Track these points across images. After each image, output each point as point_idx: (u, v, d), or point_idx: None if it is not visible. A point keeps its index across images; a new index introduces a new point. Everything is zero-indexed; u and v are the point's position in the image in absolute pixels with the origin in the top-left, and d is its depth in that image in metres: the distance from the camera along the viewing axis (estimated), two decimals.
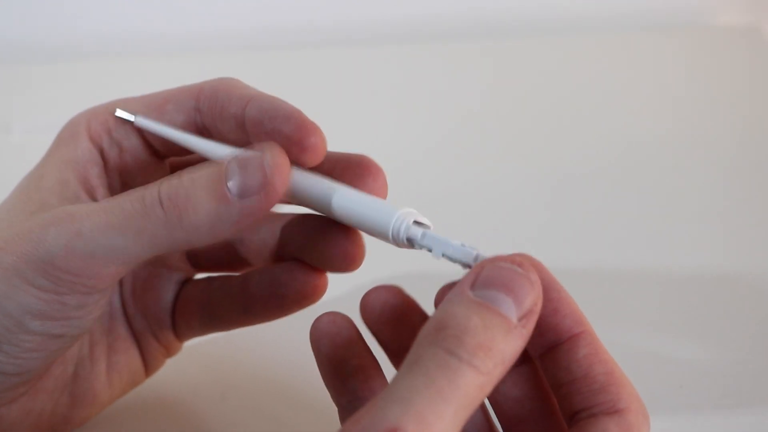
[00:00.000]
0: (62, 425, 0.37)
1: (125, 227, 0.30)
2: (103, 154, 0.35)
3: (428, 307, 0.31)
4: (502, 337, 0.26)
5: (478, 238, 0.31)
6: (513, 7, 0.76)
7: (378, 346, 0.32)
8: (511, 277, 0.27)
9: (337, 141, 0.35)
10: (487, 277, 0.27)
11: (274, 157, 0.30)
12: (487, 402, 0.31)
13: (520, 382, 0.30)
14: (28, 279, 0.30)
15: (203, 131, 0.35)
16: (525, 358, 0.30)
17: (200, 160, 0.36)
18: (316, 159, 0.32)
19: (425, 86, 0.68)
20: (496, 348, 0.26)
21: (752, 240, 0.52)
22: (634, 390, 0.28)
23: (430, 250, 0.30)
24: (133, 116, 0.35)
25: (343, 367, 0.31)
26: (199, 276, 0.40)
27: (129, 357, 0.38)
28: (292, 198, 0.33)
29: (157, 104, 0.35)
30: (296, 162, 0.32)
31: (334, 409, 0.32)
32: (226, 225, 0.30)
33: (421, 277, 0.31)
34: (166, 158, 0.37)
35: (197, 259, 0.39)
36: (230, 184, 0.30)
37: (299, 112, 0.32)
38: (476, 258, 0.29)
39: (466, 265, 0.29)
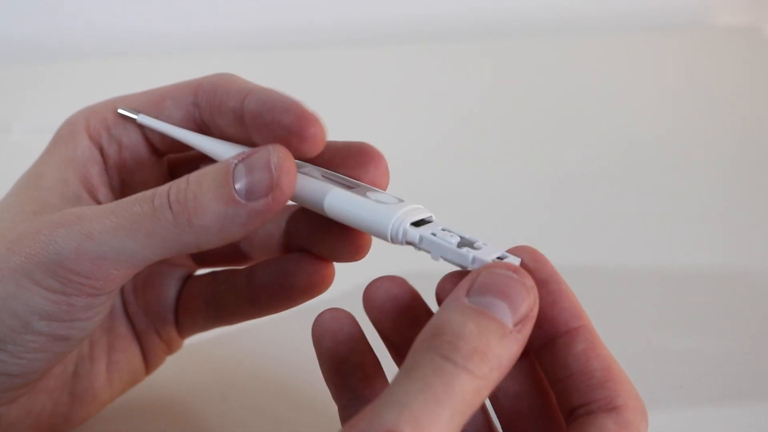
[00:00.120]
0: (62, 424, 0.37)
1: (135, 230, 0.30)
2: (103, 151, 0.36)
3: (432, 300, 0.31)
4: (498, 341, 0.26)
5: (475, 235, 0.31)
6: (513, 7, 0.76)
7: (379, 340, 0.32)
8: (506, 282, 0.27)
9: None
10: (482, 284, 0.27)
11: (281, 158, 0.30)
12: (486, 401, 0.31)
13: (519, 378, 0.30)
14: (37, 280, 0.30)
15: (202, 126, 0.35)
16: (524, 354, 0.30)
17: (199, 156, 0.36)
18: (316, 149, 0.32)
19: (425, 86, 0.68)
20: (492, 353, 0.26)
21: (752, 239, 0.52)
22: (633, 387, 0.28)
23: (429, 252, 0.30)
24: (136, 114, 0.35)
25: (344, 364, 0.31)
26: (201, 271, 0.40)
27: (129, 355, 0.38)
28: (293, 199, 0.33)
29: (155, 101, 0.35)
30: (297, 153, 0.32)
31: (334, 409, 0.32)
32: (235, 227, 0.30)
33: (425, 270, 0.31)
34: (165, 155, 0.37)
35: (200, 254, 0.39)
36: (238, 186, 0.30)
37: (298, 103, 0.32)
38: (473, 261, 0.29)
39: (464, 268, 0.30)
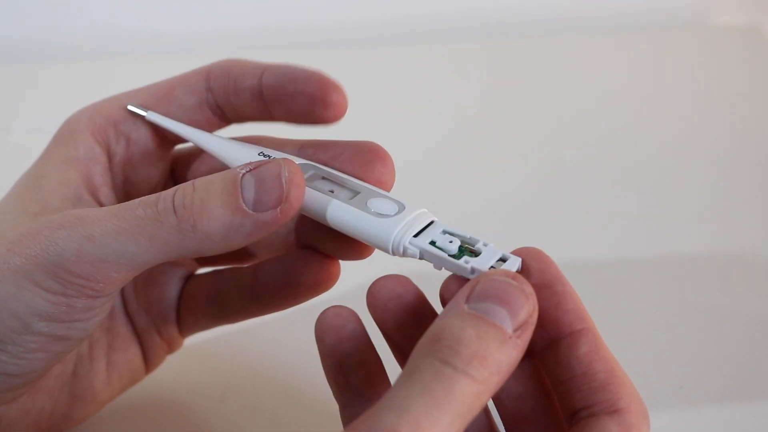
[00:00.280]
0: (62, 423, 0.37)
1: (137, 233, 0.30)
2: (109, 149, 0.35)
3: (435, 299, 0.31)
4: (497, 346, 0.26)
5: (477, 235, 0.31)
6: (513, 7, 0.76)
7: (382, 340, 0.32)
8: (505, 289, 0.27)
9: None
10: (482, 290, 0.27)
11: (292, 172, 0.30)
12: (490, 402, 0.31)
13: (522, 380, 0.30)
14: (37, 281, 0.30)
15: (216, 111, 0.35)
16: (527, 355, 0.30)
17: (202, 152, 0.37)
18: (338, 115, 0.33)
19: (425, 86, 0.68)
20: (491, 357, 0.26)
21: (752, 240, 0.52)
22: (635, 390, 0.28)
23: (431, 263, 0.31)
24: (145, 111, 0.35)
25: (347, 362, 0.31)
26: (203, 270, 0.40)
27: (129, 355, 0.38)
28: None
29: (164, 92, 0.35)
30: (320, 120, 0.33)
31: (335, 409, 0.32)
32: (239, 236, 0.30)
33: (430, 269, 0.31)
34: (172, 147, 0.37)
35: None
36: (245, 196, 0.30)
37: (319, 72, 0.33)
38: (472, 272, 0.30)
39: (464, 279, 0.30)
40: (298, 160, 0.34)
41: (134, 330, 0.39)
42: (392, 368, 0.32)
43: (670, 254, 0.51)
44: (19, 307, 0.31)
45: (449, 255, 0.30)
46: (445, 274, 0.31)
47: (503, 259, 0.30)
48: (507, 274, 0.28)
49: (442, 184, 0.57)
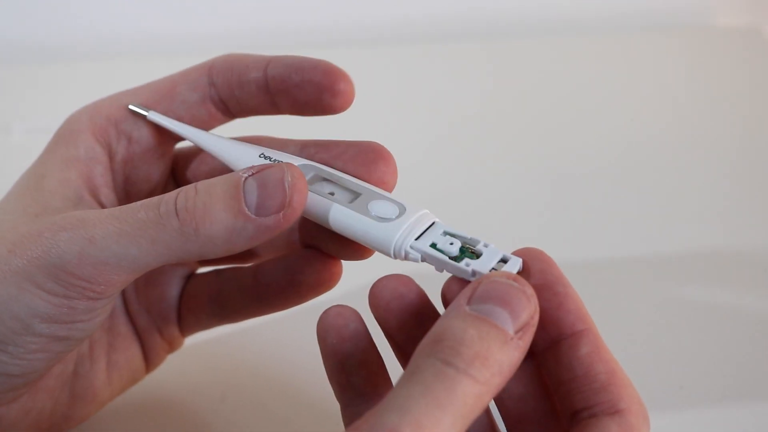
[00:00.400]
0: (62, 423, 0.37)
1: (139, 236, 0.30)
2: (110, 148, 0.35)
3: (437, 300, 0.31)
4: (499, 347, 0.26)
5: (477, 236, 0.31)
6: (513, 7, 0.76)
7: (384, 341, 0.32)
8: (506, 291, 0.27)
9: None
10: (483, 292, 0.27)
11: (295, 177, 0.30)
12: (492, 402, 0.31)
13: (524, 380, 0.30)
14: (38, 283, 0.30)
15: (219, 105, 0.35)
16: (529, 356, 0.30)
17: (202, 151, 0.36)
18: (346, 104, 0.33)
19: (425, 87, 0.68)
20: (493, 358, 0.26)
21: (753, 240, 0.52)
22: (635, 391, 0.28)
23: (433, 265, 0.31)
24: (147, 111, 0.35)
25: (348, 362, 0.31)
26: (204, 269, 0.40)
27: (129, 354, 0.38)
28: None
29: (166, 89, 0.35)
30: (328, 109, 0.33)
31: (336, 410, 0.32)
32: (242, 240, 0.30)
33: (432, 269, 0.31)
34: (174, 143, 0.37)
35: None
36: (248, 200, 0.30)
37: (325, 61, 0.33)
38: (473, 274, 0.30)
39: (466, 280, 0.30)
40: (298, 161, 0.34)
41: (135, 329, 0.39)
42: (394, 368, 0.32)
43: (670, 254, 0.51)
44: (20, 308, 0.30)
45: (450, 258, 0.30)
46: (447, 273, 0.31)
47: (504, 260, 0.30)
48: (508, 276, 0.28)
49: (443, 184, 0.57)
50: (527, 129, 0.63)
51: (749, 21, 0.75)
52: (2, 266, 0.30)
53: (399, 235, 0.31)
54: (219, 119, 0.36)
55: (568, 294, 0.29)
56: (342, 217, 0.32)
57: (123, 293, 0.38)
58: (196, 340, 0.41)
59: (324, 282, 0.36)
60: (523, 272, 0.30)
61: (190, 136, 0.35)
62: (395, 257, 0.31)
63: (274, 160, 0.34)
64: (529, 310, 0.27)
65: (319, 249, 0.36)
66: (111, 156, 0.36)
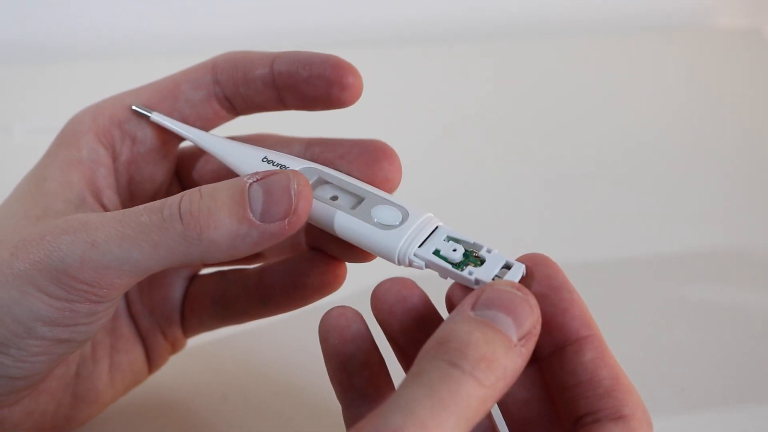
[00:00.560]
0: (64, 425, 0.37)
1: (141, 240, 0.30)
2: (114, 149, 0.35)
3: (440, 301, 0.31)
4: (504, 352, 0.26)
5: (480, 240, 0.31)
6: (513, 8, 0.76)
7: (385, 340, 0.32)
8: (510, 299, 0.27)
9: None
10: (487, 299, 0.27)
11: (301, 184, 0.30)
12: (495, 406, 0.31)
13: (528, 385, 0.30)
14: (40, 287, 0.30)
15: (224, 103, 0.35)
16: (533, 361, 0.30)
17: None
18: (354, 97, 0.33)
19: (426, 87, 0.68)
20: (498, 362, 0.26)
21: (754, 241, 0.52)
22: (639, 397, 0.28)
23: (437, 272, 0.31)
24: (150, 112, 0.35)
25: (350, 362, 0.31)
26: (207, 271, 0.40)
27: (132, 356, 0.38)
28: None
29: (169, 89, 0.35)
30: (337, 104, 0.33)
31: (338, 410, 0.32)
32: (245, 245, 0.30)
33: (434, 274, 0.31)
34: (178, 143, 0.37)
35: None
36: (253, 206, 0.30)
37: (333, 55, 0.33)
38: (476, 282, 0.30)
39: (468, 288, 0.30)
40: (301, 164, 0.34)
41: (138, 331, 0.39)
42: (396, 370, 0.32)
43: (670, 256, 0.51)
44: (22, 311, 0.30)
45: (453, 266, 0.30)
46: (451, 279, 0.31)
47: (507, 266, 0.30)
48: (512, 285, 0.28)
49: (444, 185, 0.57)
50: (528, 129, 0.63)
51: (749, 22, 0.75)
52: (4, 269, 0.30)
53: (402, 243, 0.31)
54: (223, 117, 0.36)
55: (574, 300, 0.29)
56: (346, 224, 0.32)
57: (126, 295, 0.38)
58: (198, 340, 0.41)
59: (328, 284, 0.36)
60: (528, 277, 0.30)
61: (193, 137, 0.35)
62: (399, 264, 0.31)
63: (277, 164, 0.33)
64: (532, 319, 0.27)
65: (324, 251, 0.36)
66: (114, 157, 0.35)
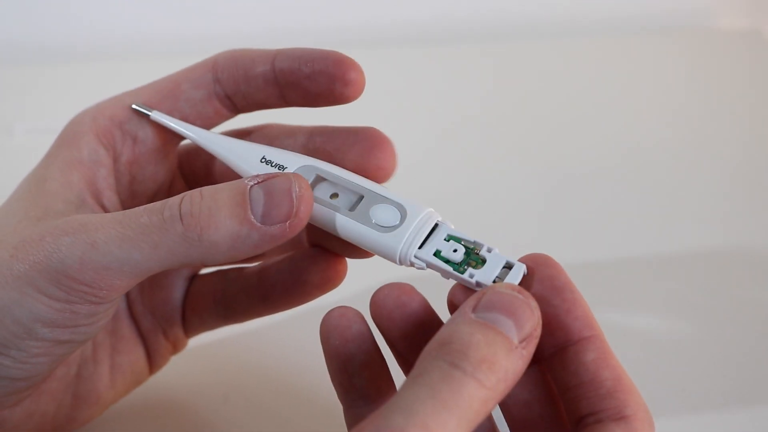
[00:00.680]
0: (65, 426, 0.37)
1: (141, 240, 0.30)
2: (115, 149, 0.35)
3: (440, 309, 0.31)
4: (505, 354, 0.26)
5: (481, 238, 0.31)
6: (514, 10, 0.76)
7: (386, 345, 0.32)
8: (511, 301, 0.27)
9: None
10: (488, 301, 0.27)
11: (302, 187, 0.30)
12: (497, 407, 0.31)
13: (529, 386, 0.30)
14: (40, 288, 0.30)
15: (224, 101, 0.35)
16: (535, 362, 0.30)
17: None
18: (357, 93, 0.33)
19: (427, 88, 0.68)
20: (499, 364, 0.26)
21: (755, 243, 0.52)
22: (641, 398, 0.28)
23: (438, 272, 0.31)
24: (150, 111, 0.35)
25: (351, 363, 0.31)
26: (207, 270, 0.40)
27: (133, 357, 0.38)
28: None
29: (169, 88, 0.35)
30: (340, 99, 0.33)
31: (339, 411, 0.32)
32: (246, 247, 0.30)
33: (433, 279, 0.31)
34: (179, 141, 0.37)
35: None
36: (254, 208, 0.30)
37: (335, 51, 0.33)
38: (477, 285, 0.30)
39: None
40: (300, 162, 0.34)
41: (139, 332, 0.39)
42: (397, 370, 0.32)
43: (671, 256, 0.51)
44: (21, 313, 0.30)
45: (454, 268, 0.30)
46: (451, 283, 0.31)
47: (508, 266, 0.30)
48: (513, 288, 0.28)
49: (445, 186, 0.57)
50: (528, 130, 0.63)
51: (750, 23, 0.75)
52: (4, 270, 0.30)
53: (402, 245, 0.31)
54: (224, 115, 0.36)
55: (576, 300, 0.29)
56: (345, 226, 0.32)
57: (127, 295, 0.38)
58: (199, 341, 0.41)
59: (329, 280, 0.36)
60: (528, 277, 0.30)
61: (193, 135, 0.35)
62: (401, 264, 0.32)
63: (276, 163, 0.33)
64: (532, 321, 0.27)
65: (325, 247, 0.36)
66: (115, 157, 0.35)
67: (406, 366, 0.32)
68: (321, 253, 0.36)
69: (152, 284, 0.38)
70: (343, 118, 0.36)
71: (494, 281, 0.30)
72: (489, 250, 0.31)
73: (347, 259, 0.36)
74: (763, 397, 0.42)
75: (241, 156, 0.34)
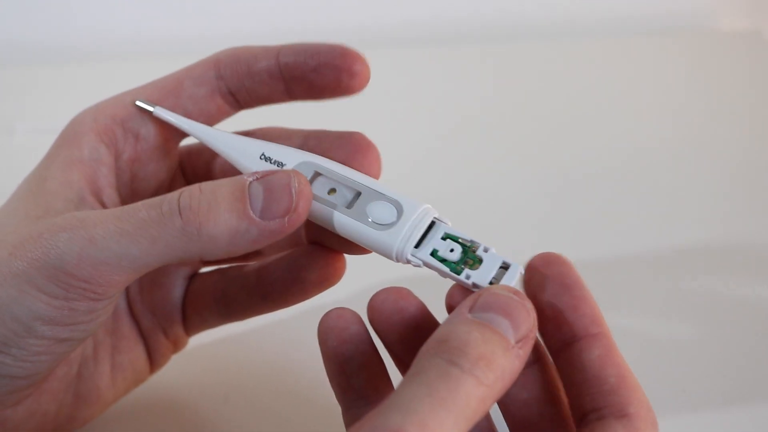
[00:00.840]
0: (66, 425, 0.37)
1: (139, 235, 0.30)
2: (116, 148, 0.35)
3: (438, 309, 0.31)
4: (502, 352, 0.26)
5: (479, 239, 0.31)
6: (514, 11, 0.76)
7: (383, 349, 0.32)
8: (507, 303, 0.27)
9: None
10: (485, 302, 0.28)
11: (301, 183, 0.31)
12: (495, 406, 0.31)
13: (528, 386, 0.30)
14: (39, 286, 0.30)
15: (227, 98, 0.36)
16: (534, 361, 0.30)
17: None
18: (363, 84, 0.34)
19: (428, 89, 0.68)
20: (497, 362, 0.26)
21: (755, 243, 0.52)
22: (645, 397, 0.29)
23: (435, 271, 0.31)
24: (152, 107, 0.35)
25: (349, 364, 0.31)
26: (207, 269, 0.40)
27: (133, 356, 0.38)
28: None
29: (172, 86, 0.35)
30: (346, 91, 0.34)
31: (338, 411, 0.32)
32: (245, 242, 0.30)
33: (431, 279, 0.31)
34: (181, 139, 0.37)
35: None
36: (254, 203, 0.30)
37: (340, 44, 0.34)
38: (474, 286, 0.30)
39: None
40: (298, 158, 0.34)
41: (139, 331, 0.39)
42: (395, 371, 0.32)
43: (671, 256, 0.51)
44: (21, 311, 0.30)
45: (451, 268, 0.31)
46: (450, 284, 0.31)
47: (504, 266, 0.30)
48: (509, 289, 0.28)
49: (445, 186, 0.57)
50: (529, 131, 0.63)
51: (750, 24, 0.75)
52: (3, 269, 0.30)
53: (398, 242, 0.31)
54: (226, 112, 0.37)
55: (584, 297, 0.29)
56: (342, 223, 0.32)
57: (127, 295, 0.38)
58: (199, 341, 0.41)
59: (328, 278, 0.36)
60: (540, 274, 0.30)
61: (195, 131, 0.35)
62: (398, 262, 0.32)
63: (275, 160, 0.34)
64: (528, 323, 0.27)
65: (323, 244, 0.36)
66: (117, 156, 0.35)
67: (405, 369, 0.32)
68: (320, 250, 0.36)
69: (152, 283, 0.38)
70: (344, 118, 0.36)
71: (491, 282, 0.30)
72: (486, 250, 0.31)
73: (346, 257, 0.36)
74: (763, 397, 0.42)
75: (242, 151, 0.34)
